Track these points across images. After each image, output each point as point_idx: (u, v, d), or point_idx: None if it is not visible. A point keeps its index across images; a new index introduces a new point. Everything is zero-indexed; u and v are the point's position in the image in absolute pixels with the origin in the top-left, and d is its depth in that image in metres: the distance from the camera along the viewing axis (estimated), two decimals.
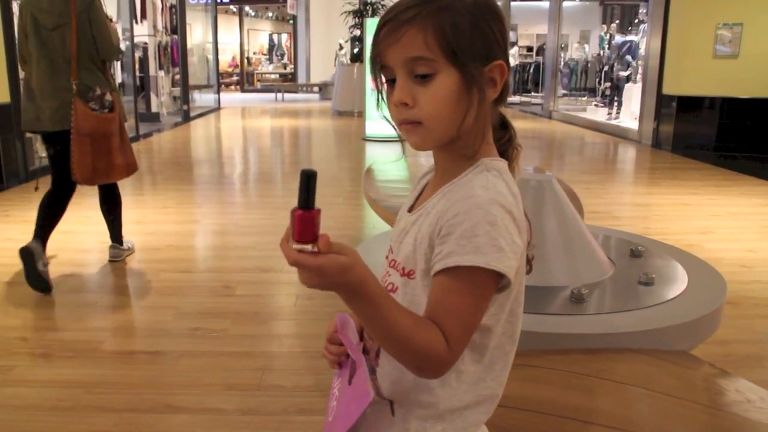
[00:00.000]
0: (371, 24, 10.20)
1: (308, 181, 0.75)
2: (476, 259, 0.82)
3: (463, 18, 0.87)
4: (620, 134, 10.60)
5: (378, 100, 0.94)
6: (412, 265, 0.92)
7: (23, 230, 4.81)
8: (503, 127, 0.99)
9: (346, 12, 14.35)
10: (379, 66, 0.91)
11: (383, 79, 0.93)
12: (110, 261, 4.10)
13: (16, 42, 3.94)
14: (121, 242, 4.17)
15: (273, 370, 2.67)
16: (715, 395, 1.37)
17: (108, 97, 3.64)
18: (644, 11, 11.79)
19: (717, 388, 1.39)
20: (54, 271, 3.91)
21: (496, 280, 0.85)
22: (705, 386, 1.38)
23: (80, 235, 4.72)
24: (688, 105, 8.84)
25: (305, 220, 0.75)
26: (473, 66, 0.88)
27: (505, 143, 0.99)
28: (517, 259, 0.85)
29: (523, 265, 0.91)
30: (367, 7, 14.40)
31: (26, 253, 3.47)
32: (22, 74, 4.33)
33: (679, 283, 1.67)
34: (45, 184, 3.86)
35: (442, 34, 0.86)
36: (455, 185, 0.91)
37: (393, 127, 0.94)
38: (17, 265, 3.96)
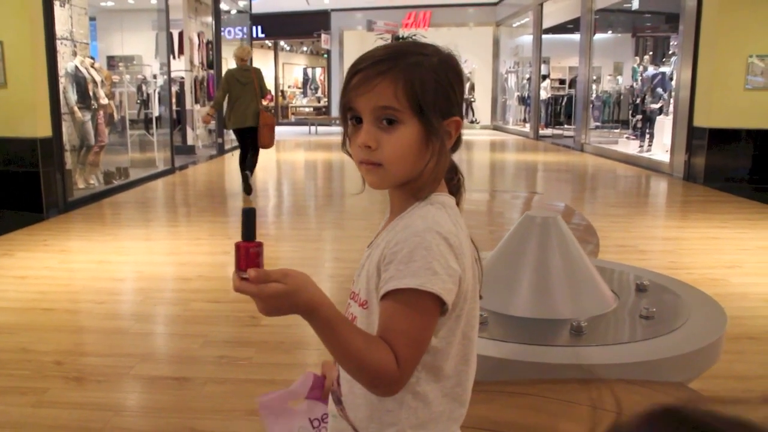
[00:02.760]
0: None
1: (247, 217, 0.88)
2: (412, 281, 0.91)
3: (430, 76, 0.98)
4: (652, 167, 10.54)
5: (343, 139, 1.04)
6: (366, 295, 1.01)
7: (61, 259, 5.00)
8: (452, 170, 1.09)
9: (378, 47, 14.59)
10: (348, 109, 1.01)
11: (351, 120, 1.02)
12: (244, 183, 7.70)
13: (217, 93, 7.98)
14: (252, 171, 7.76)
15: None
16: None
17: (271, 110, 8.95)
18: (676, 43, 11.78)
19: None
20: (89, 299, 4.07)
21: (437, 301, 0.93)
22: None
23: (115, 264, 4.88)
24: (720, 137, 8.77)
25: (245, 251, 0.87)
26: (435, 119, 0.98)
27: (455, 185, 1.09)
28: (454, 282, 0.94)
29: (469, 291, 0.98)
30: (399, 42, 14.59)
31: (247, 186, 7.69)
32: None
33: (680, 316, 1.71)
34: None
35: (411, 88, 0.96)
36: (401, 218, 1.01)
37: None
38: (54, 292, 4.15)
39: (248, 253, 0.87)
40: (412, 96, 0.96)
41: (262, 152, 7.86)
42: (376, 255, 0.99)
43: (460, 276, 0.95)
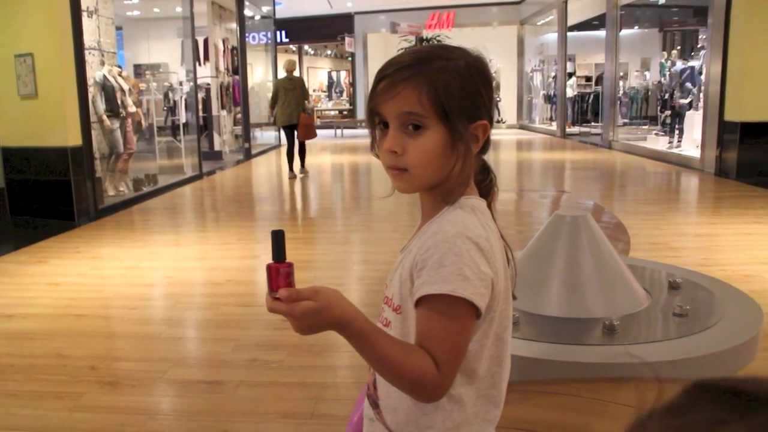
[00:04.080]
0: None
1: (277, 238, 0.90)
2: (444, 287, 0.91)
3: (455, 80, 0.97)
4: (682, 163, 10.39)
5: (372, 143, 1.04)
6: (399, 300, 1.01)
7: (93, 266, 5.08)
8: (484, 171, 1.08)
9: (402, 49, 14.59)
10: (375, 114, 1.01)
11: (379, 125, 1.02)
12: (301, 177, 9.96)
13: (270, 97, 10.14)
14: (303, 166, 10.15)
15: (326, 399, 2.75)
16: None
17: (309, 112, 9.88)
18: (704, 37, 11.60)
19: None
20: (120, 304, 4.13)
21: (471, 306, 0.92)
22: None
23: (146, 270, 4.93)
24: (753, 131, 8.60)
25: (275, 272, 0.89)
26: (460, 124, 0.97)
27: (486, 186, 1.08)
28: (486, 286, 0.93)
29: (501, 292, 0.98)
30: (423, 44, 14.61)
31: (292, 175, 9.94)
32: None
33: (714, 314, 1.68)
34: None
35: (434, 93, 0.95)
36: (432, 223, 1.00)
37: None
38: (87, 298, 4.21)
39: (279, 273, 0.89)
40: (436, 101, 0.96)
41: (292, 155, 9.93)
42: (409, 260, 0.99)
43: (492, 280, 0.94)
